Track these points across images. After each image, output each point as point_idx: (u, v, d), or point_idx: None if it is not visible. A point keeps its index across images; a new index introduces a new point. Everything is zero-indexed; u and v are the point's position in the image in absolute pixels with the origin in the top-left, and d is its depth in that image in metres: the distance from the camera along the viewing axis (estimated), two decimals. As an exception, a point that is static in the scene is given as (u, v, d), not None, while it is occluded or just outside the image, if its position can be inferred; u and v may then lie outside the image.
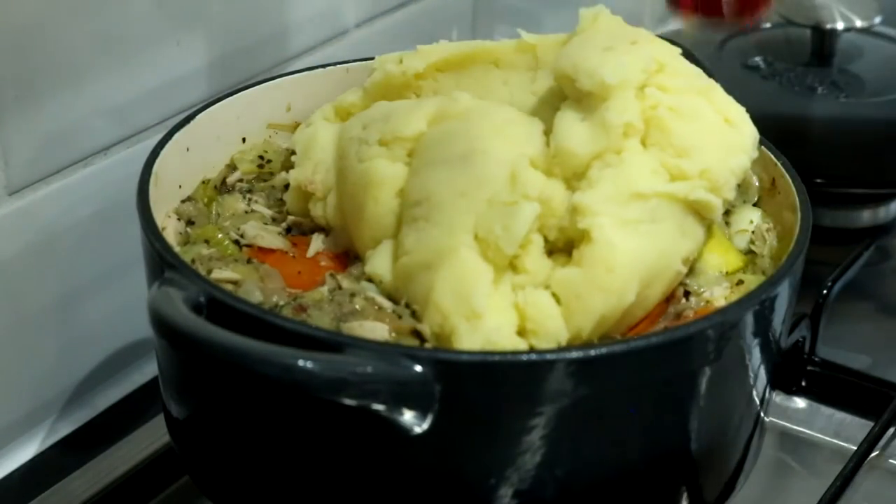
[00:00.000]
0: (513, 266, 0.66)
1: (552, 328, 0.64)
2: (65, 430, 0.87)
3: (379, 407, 0.60)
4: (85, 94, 0.81)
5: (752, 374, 0.69)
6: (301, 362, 0.58)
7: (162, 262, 0.66)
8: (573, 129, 0.68)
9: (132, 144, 0.85)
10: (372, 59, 0.84)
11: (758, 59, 1.14)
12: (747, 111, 0.72)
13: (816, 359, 0.93)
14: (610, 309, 0.65)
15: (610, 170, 0.67)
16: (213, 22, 0.89)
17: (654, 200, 0.67)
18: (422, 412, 0.61)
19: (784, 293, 0.68)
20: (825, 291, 0.93)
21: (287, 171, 0.77)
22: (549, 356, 0.61)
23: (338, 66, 0.85)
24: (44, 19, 0.77)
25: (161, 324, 0.61)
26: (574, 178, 0.68)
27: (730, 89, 0.80)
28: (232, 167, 0.80)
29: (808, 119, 1.07)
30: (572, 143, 0.67)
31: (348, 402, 0.60)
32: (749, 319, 0.67)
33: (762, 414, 0.73)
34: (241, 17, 0.91)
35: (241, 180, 0.79)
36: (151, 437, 0.83)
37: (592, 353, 0.62)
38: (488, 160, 0.66)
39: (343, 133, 0.73)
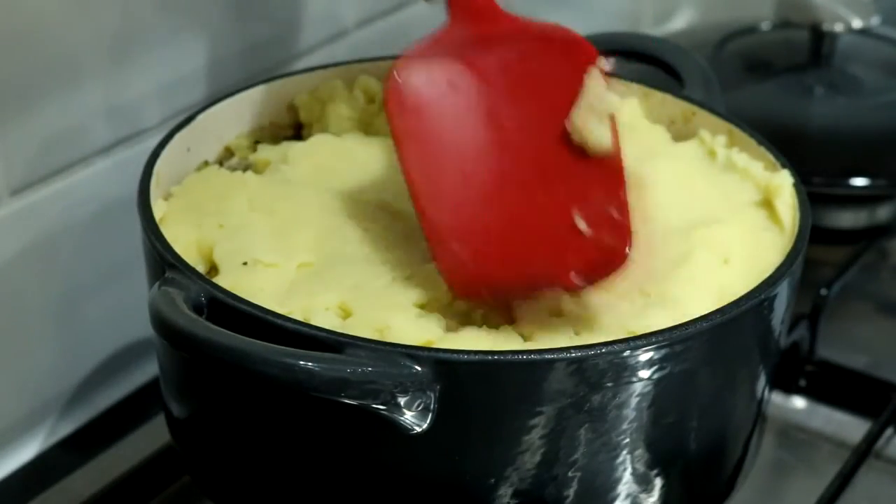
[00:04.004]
0: None
1: None
2: (66, 429, 0.87)
3: (379, 407, 0.60)
4: (85, 94, 0.81)
5: (751, 374, 0.70)
6: (301, 362, 0.59)
7: (163, 262, 0.66)
8: None
9: (133, 145, 0.85)
10: (372, 59, 0.85)
11: (757, 59, 1.14)
12: (746, 112, 0.72)
13: (815, 358, 0.93)
14: None
15: None
16: (213, 22, 0.89)
17: None
18: (422, 412, 0.61)
19: (783, 293, 0.68)
20: (824, 291, 0.93)
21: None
22: (548, 356, 0.62)
23: (338, 66, 0.85)
24: (44, 19, 0.77)
25: (162, 324, 0.61)
26: None
27: (729, 90, 0.80)
28: (229, 152, 0.80)
29: (806, 119, 1.07)
30: None
31: (348, 401, 0.60)
32: (748, 319, 0.67)
33: (761, 413, 0.73)
34: (241, 17, 0.91)
35: (238, 163, 0.79)
36: (152, 436, 0.83)
37: (592, 353, 0.62)
38: None
39: None
